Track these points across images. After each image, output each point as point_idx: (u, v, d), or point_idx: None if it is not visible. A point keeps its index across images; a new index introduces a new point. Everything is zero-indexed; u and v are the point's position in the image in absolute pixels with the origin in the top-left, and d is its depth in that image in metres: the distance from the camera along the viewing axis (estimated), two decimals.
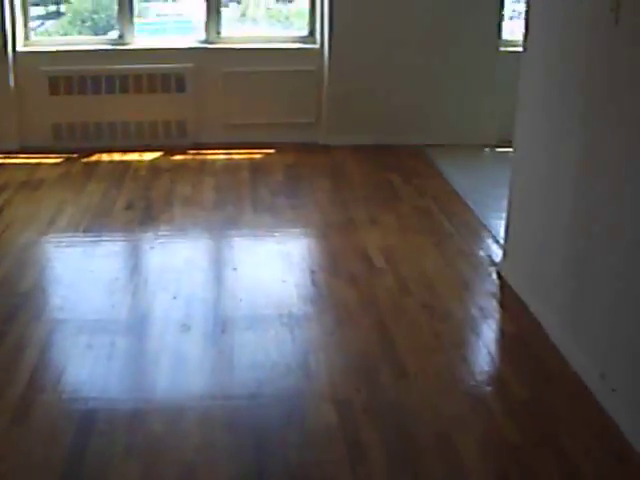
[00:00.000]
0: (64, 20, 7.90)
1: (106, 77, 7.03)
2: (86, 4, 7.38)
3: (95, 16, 7.34)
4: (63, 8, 7.91)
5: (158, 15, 8.14)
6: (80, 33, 7.75)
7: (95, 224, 5.56)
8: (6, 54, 6.91)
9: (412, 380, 3.72)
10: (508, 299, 4.46)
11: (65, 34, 7.76)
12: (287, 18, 7.67)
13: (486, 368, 3.91)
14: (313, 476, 3.11)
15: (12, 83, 7.00)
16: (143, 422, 3.44)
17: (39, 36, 7.43)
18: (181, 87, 7.10)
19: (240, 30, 7.85)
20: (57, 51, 7.13)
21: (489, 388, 3.71)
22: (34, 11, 7.60)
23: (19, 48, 7.03)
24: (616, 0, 3.32)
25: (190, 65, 7.09)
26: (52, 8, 7.93)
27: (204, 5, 7.19)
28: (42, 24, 7.89)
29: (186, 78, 7.08)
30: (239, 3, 8.01)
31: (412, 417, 3.45)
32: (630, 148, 3.29)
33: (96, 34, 7.49)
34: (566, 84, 3.92)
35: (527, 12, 4.37)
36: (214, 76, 7.11)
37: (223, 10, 7.30)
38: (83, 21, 7.75)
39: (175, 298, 4.50)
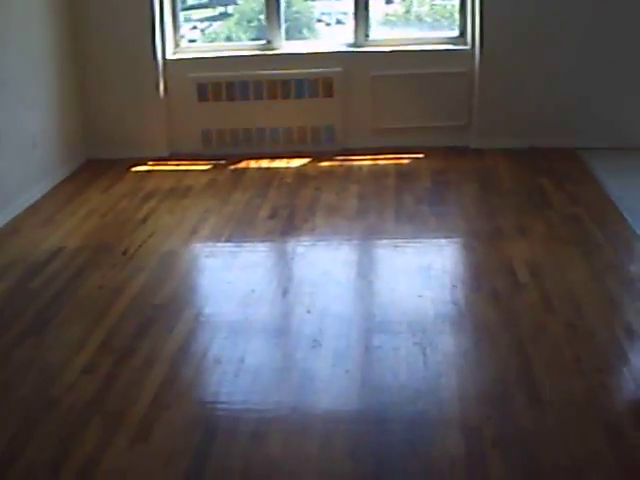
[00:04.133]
0: (230, 21, 7.99)
1: (254, 83, 7.04)
2: (253, 4, 7.38)
3: (262, 16, 7.31)
4: (230, 9, 7.99)
5: (323, 13, 8.06)
6: (246, 33, 7.80)
7: (237, 233, 5.53)
8: (156, 62, 7.00)
9: (546, 408, 3.47)
10: None
11: (230, 35, 7.83)
12: (452, 15, 7.43)
13: (628, 397, 3.61)
14: None
15: (162, 90, 7.08)
16: (263, 443, 3.34)
17: (204, 38, 7.57)
18: (329, 92, 7.00)
19: (388, 32, 7.68)
20: (205, 58, 7.19)
21: (630, 419, 3.40)
22: (203, 12, 7.79)
23: (168, 56, 7.13)
24: None
25: (338, 69, 6.98)
26: (220, 9, 8.05)
27: (352, 7, 7.07)
28: (210, 25, 8.05)
29: (334, 82, 6.98)
30: (403, 0, 7.85)
31: (543, 449, 3.20)
32: None
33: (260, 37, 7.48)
34: None
35: None
36: (362, 80, 7.00)
37: (374, 10, 7.16)
38: (249, 21, 7.76)
39: (309, 312, 4.39)
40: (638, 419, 3.41)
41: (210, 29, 8.07)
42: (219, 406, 3.65)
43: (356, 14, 7.09)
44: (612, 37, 6.64)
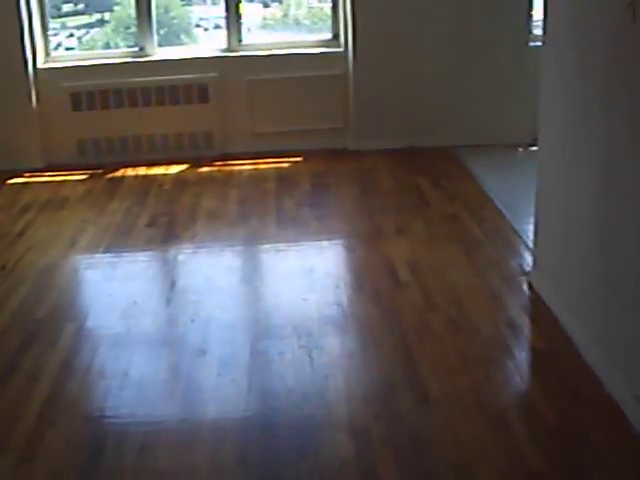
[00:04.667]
0: (108, 28, 7.89)
1: (128, 90, 6.92)
2: (130, 10, 7.27)
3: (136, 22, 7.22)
4: (107, 16, 7.89)
5: (201, 19, 8.01)
6: (125, 40, 7.70)
7: (116, 244, 5.45)
8: (27, 72, 6.83)
9: (434, 405, 3.52)
10: (538, 312, 4.24)
11: (108, 42, 7.72)
12: (328, 17, 7.47)
13: (513, 390, 3.71)
14: None
15: (34, 100, 6.92)
16: (152, 456, 3.30)
17: (82, 46, 7.51)
18: (204, 97, 6.95)
19: (266, 36, 7.69)
20: (77, 66, 7.04)
21: (516, 412, 3.48)
22: (79, 20, 7.70)
23: (39, 65, 6.95)
24: None
25: (213, 74, 6.94)
26: (97, 16, 7.93)
27: (224, 12, 7.04)
28: (87, 33, 7.93)
29: (209, 88, 6.93)
30: (281, 3, 7.87)
31: (432, 447, 3.25)
32: None
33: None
34: (586, 80, 3.70)
35: (545, 6, 4.16)
36: (238, 85, 6.96)
37: (252, 14, 7.17)
38: (127, 28, 7.66)
39: (193, 321, 4.35)
40: (523, 411, 3.50)
41: (87, 36, 7.93)
42: (106, 420, 3.59)
43: (228, 19, 7.05)
44: (480, 36, 6.77)
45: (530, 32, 6.82)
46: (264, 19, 7.90)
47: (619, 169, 3.40)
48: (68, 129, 7.00)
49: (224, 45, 7.14)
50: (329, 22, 7.19)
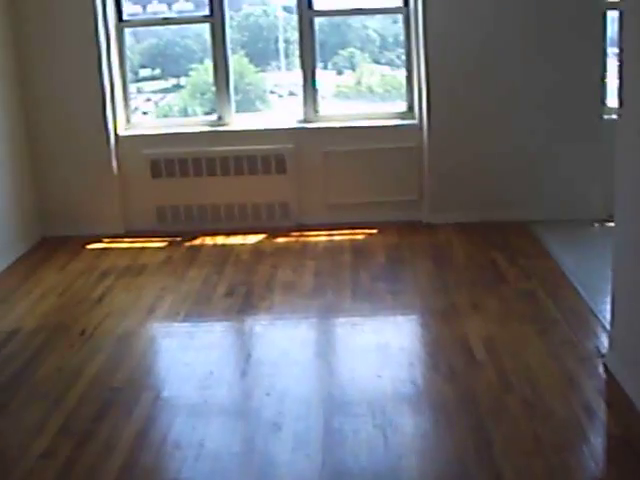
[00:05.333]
0: (184, 93, 8.07)
1: (207, 159, 7.08)
2: (205, 76, 7.47)
3: (214, 88, 7.40)
4: (183, 81, 8.08)
5: (275, 85, 8.18)
6: (201, 106, 7.89)
7: (193, 312, 5.54)
8: (108, 138, 7.04)
9: None
10: (614, 396, 4.17)
11: (184, 107, 7.91)
12: (402, 85, 7.57)
13: (588, 476, 3.64)
14: None
15: (115, 167, 7.11)
16: None
17: (158, 111, 7.78)
18: (282, 168, 7.08)
19: (339, 105, 7.81)
20: (157, 134, 7.24)
21: None
22: (156, 85, 7.94)
23: (120, 132, 7.17)
24: None
25: (290, 146, 7.07)
26: (173, 81, 8.14)
27: (300, 80, 7.19)
28: (163, 97, 8.14)
29: (286, 158, 7.05)
30: (354, 71, 7.99)
31: None
32: None
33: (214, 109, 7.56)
34: None
35: (620, 77, 4.16)
36: (314, 156, 7.08)
37: (325, 83, 7.28)
38: (202, 93, 7.85)
39: (268, 394, 4.39)
40: None
41: (164, 101, 8.13)
42: None
43: (305, 89, 7.19)
44: (554, 110, 6.80)
45: (604, 104, 6.80)
46: (337, 87, 8.02)
47: None
48: (147, 196, 7.18)
49: (300, 115, 7.27)
50: (402, 90, 7.27)
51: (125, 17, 7.22)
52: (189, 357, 4.94)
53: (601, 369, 4.46)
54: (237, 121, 7.31)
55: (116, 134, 7.16)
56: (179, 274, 6.23)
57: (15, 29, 6.91)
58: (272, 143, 7.11)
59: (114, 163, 7.14)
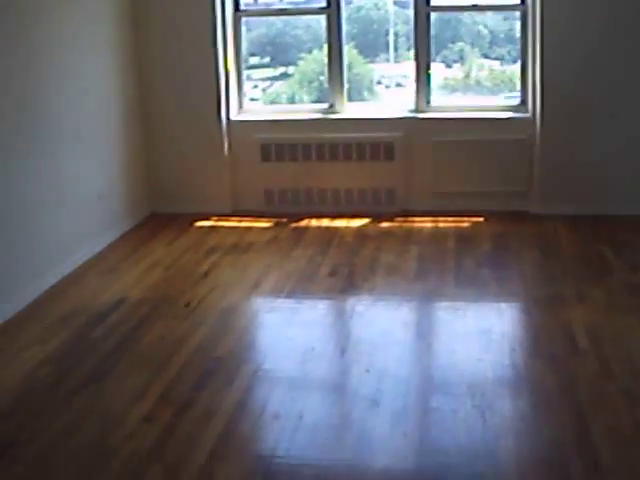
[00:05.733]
0: (292, 81, 8.17)
1: (316, 145, 7.15)
2: (314, 65, 7.54)
3: (322, 77, 7.47)
4: (291, 70, 8.18)
5: (383, 76, 8.21)
6: (308, 94, 7.99)
7: (297, 290, 5.59)
8: (220, 123, 7.17)
9: (605, 474, 3.44)
10: None
11: (292, 95, 8.02)
12: (510, 80, 7.52)
13: None
14: None
15: (226, 150, 7.23)
16: None
17: (265, 97, 7.89)
18: (390, 155, 7.09)
19: (447, 97, 7.80)
20: (269, 120, 7.34)
21: None
22: (263, 72, 8.08)
23: (232, 117, 7.31)
24: None
25: (399, 134, 7.07)
26: (281, 69, 8.26)
27: (413, 73, 7.19)
28: (271, 84, 8.26)
29: (395, 147, 7.06)
30: (463, 64, 7.97)
31: None
32: None
33: (320, 98, 7.62)
34: None
35: None
36: (423, 145, 7.08)
37: (437, 75, 7.25)
38: (310, 82, 7.92)
39: (368, 371, 4.41)
40: None
41: (271, 88, 8.24)
42: (276, 461, 3.67)
43: (417, 79, 7.20)
44: None
45: None
46: (445, 79, 7.99)
47: None
48: (257, 178, 7.28)
49: (410, 105, 7.27)
50: (511, 84, 7.22)
51: (242, 7, 7.35)
52: (291, 332, 5.00)
53: None
54: (348, 109, 7.35)
55: (228, 118, 7.28)
56: (284, 253, 6.30)
57: (137, 17, 7.12)
58: (382, 131, 7.13)
59: (225, 146, 7.26)
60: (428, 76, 7.20)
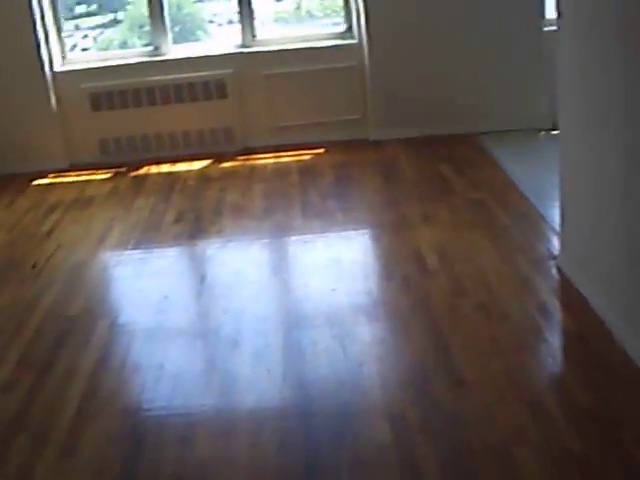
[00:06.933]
0: (123, 27, 7.96)
1: (146, 89, 7.00)
2: (143, 9, 7.32)
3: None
4: (121, 15, 7.96)
5: (214, 14, 8.09)
6: (140, 39, 7.78)
7: (144, 240, 5.50)
8: (44, 75, 6.92)
9: (468, 389, 3.55)
10: (568, 295, 4.24)
11: (124, 41, 7.81)
12: (342, 8, 7.50)
13: (546, 373, 3.72)
14: None
15: (54, 103, 7.00)
16: (191, 447, 3.34)
17: (98, 46, 7.65)
18: (223, 93, 7.00)
19: (280, 30, 7.75)
20: (94, 68, 7.12)
21: (550, 394, 3.50)
22: (93, 21, 7.83)
23: (57, 68, 7.06)
24: None
25: (229, 70, 6.99)
26: (110, 16, 8.00)
27: (236, 7, 7.10)
28: (101, 33, 8.01)
29: (227, 84, 6.98)
30: None
31: (469, 430, 3.28)
32: None
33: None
34: (604, 57, 3.71)
35: None
36: (255, 80, 7.01)
37: (265, 9, 7.19)
38: (141, 27, 7.72)
39: (225, 313, 4.39)
40: (558, 393, 3.52)
41: (102, 36, 7.99)
42: (144, 413, 3.65)
43: (241, 14, 7.10)
44: (494, 21, 6.76)
45: (543, 16, 6.77)
46: (277, 12, 7.93)
47: None
48: (89, 129, 7.08)
49: (239, 41, 7.18)
50: (342, 14, 7.21)
51: None
52: (142, 283, 4.93)
53: (554, 271, 4.51)
54: (175, 50, 7.21)
55: (52, 70, 7.02)
56: (126, 204, 6.16)
57: None
58: (211, 69, 7.02)
59: (53, 99, 7.01)
60: (251, 10, 7.09)
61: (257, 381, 3.76)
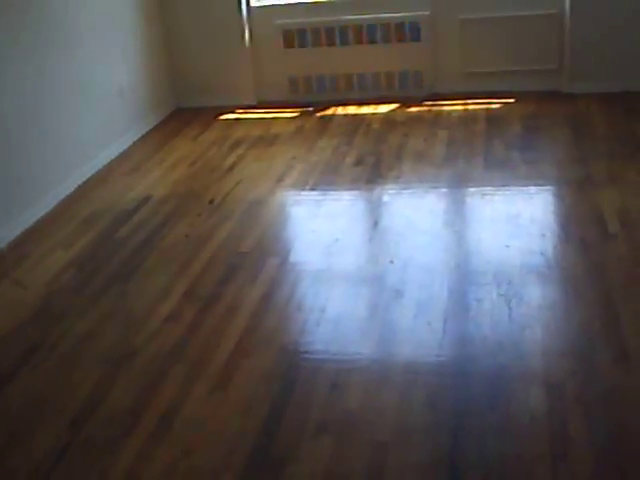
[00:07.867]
0: None
1: (340, 28, 6.96)
2: None
3: None
4: None
5: None
6: None
7: (322, 182, 5.51)
8: (240, 9, 6.97)
9: (634, 365, 3.35)
10: None
11: None
12: None
13: None
14: (509, 470, 2.86)
15: (247, 38, 7.06)
16: (341, 394, 3.33)
17: None
18: (416, 36, 6.87)
19: None
20: (289, 4, 7.13)
21: None
22: None
23: (253, 3, 7.08)
24: None
25: (425, 13, 6.83)
26: None
27: None
28: None
29: (421, 27, 6.83)
30: None
31: (630, 410, 3.10)
32: None
33: None
34: None
35: None
36: (450, 23, 6.84)
37: None
38: None
39: (392, 262, 4.34)
40: None
41: None
42: (300, 355, 3.65)
43: None
44: None
45: None
46: None
47: None
48: (280, 66, 7.13)
49: None
50: None
51: None
52: (316, 225, 4.94)
53: None
54: None
55: (248, 5, 7.07)
56: (310, 144, 6.19)
57: None
58: (407, 11, 6.88)
59: (247, 34, 7.08)
60: None
61: (416, 333, 3.70)
